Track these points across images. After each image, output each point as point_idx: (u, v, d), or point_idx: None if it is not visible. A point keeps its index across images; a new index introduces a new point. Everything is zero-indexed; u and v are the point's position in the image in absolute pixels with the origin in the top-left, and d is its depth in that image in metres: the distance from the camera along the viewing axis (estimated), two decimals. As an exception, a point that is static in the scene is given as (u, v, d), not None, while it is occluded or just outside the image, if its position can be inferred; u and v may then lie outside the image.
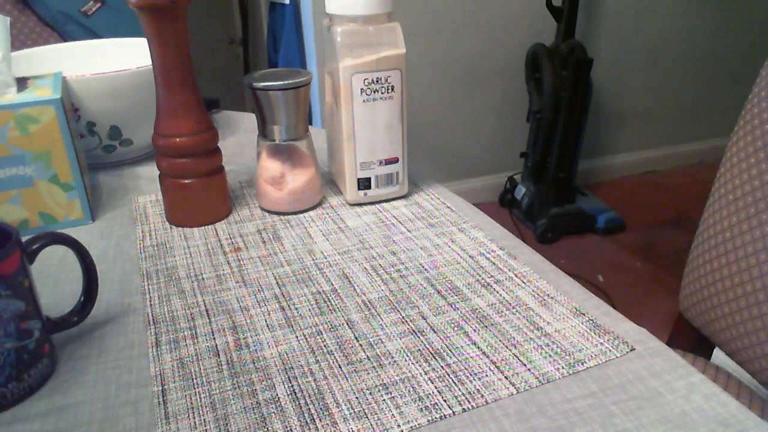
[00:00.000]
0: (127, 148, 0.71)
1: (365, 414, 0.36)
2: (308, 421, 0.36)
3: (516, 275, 0.49)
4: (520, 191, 2.13)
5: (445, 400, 0.37)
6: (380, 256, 0.53)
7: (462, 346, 0.41)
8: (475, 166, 2.28)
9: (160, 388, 0.39)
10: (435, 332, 0.43)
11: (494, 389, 0.38)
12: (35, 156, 0.55)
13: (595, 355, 0.40)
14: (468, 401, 0.37)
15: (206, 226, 0.58)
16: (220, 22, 2.58)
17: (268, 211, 0.61)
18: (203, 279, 0.50)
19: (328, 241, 0.55)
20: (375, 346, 0.42)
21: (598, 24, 2.22)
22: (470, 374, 0.39)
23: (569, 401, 0.37)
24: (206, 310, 0.46)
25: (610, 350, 0.41)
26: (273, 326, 0.44)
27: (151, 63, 0.63)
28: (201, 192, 0.57)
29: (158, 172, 0.65)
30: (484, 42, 2.09)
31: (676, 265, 1.89)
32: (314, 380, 0.39)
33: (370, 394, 0.38)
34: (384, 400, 0.37)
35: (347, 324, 0.44)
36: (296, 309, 0.46)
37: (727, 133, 2.49)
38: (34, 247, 0.39)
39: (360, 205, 0.62)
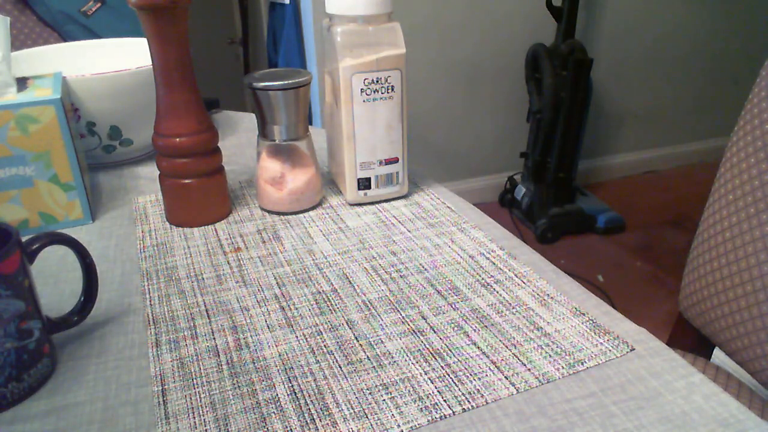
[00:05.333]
0: (127, 148, 0.72)
1: (365, 414, 0.36)
2: (308, 421, 0.36)
3: (516, 275, 0.49)
4: (520, 191, 2.13)
5: (445, 400, 0.37)
6: (380, 256, 0.53)
7: (462, 346, 0.41)
8: (475, 166, 2.28)
9: (160, 388, 0.39)
10: (435, 332, 0.43)
11: (494, 389, 0.38)
12: (35, 156, 0.55)
13: (595, 355, 0.40)
14: (468, 401, 0.37)
15: (206, 226, 0.58)
16: (220, 22, 2.58)
17: (268, 211, 0.61)
18: (203, 279, 0.50)
19: (328, 241, 0.55)
20: (375, 346, 0.42)
21: (598, 24, 2.22)
22: (470, 374, 0.39)
23: (569, 401, 0.37)
24: (206, 310, 0.46)
25: (610, 350, 0.41)
26: (273, 326, 0.44)
27: (151, 63, 0.63)
28: (201, 192, 0.57)
29: (158, 172, 0.65)
30: (484, 42, 2.09)
31: (676, 265, 1.89)
32: (314, 380, 0.39)
33: (370, 394, 0.38)
34: (384, 400, 0.37)
35: (347, 324, 0.44)
36: (296, 309, 0.46)
37: (727, 133, 2.49)
38: (34, 247, 0.39)
39: (360, 205, 0.62)
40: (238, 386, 0.39)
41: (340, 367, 0.40)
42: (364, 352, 0.41)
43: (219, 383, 0.39)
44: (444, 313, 0.45)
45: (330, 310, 0.46)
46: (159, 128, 0.55)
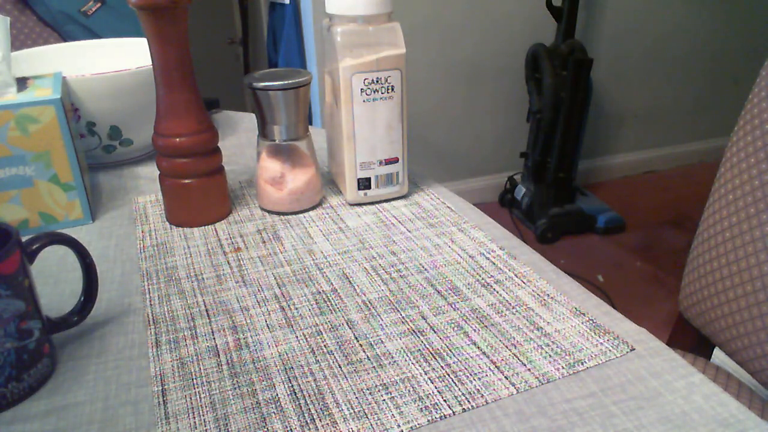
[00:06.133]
0: (127, 148, 0.72)
1: (365, 414, 0.36)
2: (308, 421, 0.36)
3: (516, 275, 0.49)
4: (520, 191, 2.13)
5: (445, 400, 0.37)
6: (380, 256, 0.53)
7: (462, 346, 0.41)
8: (475, 166, 2.28)
9: (160, 388, 0.39)
10: (435, 332, 0.43)
11: (494, 389, 0.38)
12: (35, 156, 0.55)
13: (595, 355, 0.40)
14: (468, 401, 0.37)
15: (206, 226, 0.58)
16: (220, 22, 2.58)
17: (268, 211, 0.61)
18: (203, 279, 0.50)
19: (328, 241, 0.55)
20: (375, 346, 0.42)
21: (598, 24, 2.22)
22: (470, 374, 0.39)
23: (569, 401, 0.37)
24: (206, 310, 0.46)
25: (610, 350, 0.41)
26: (273, 326, 0.44)
27: (151, 63, 0.63)
28: (201, 192, 0.57)
29: (158, 172, 0.65)
30: (484, 42, 2.09)
31: (676, 265, 1.89)
32: (314, 380, 0.39)
33: (370, 394, 0.38)
34: (384, 400, 0.37)
35: (347, 324, 0.44)
36: (296, 309, 0.46)
37: (727, 133, 2.49)
38: (34, 247, 0.39)
39: (360, 205, 0.62)
40: (238, 386, 0.39)
41: (340, 367, 0.40)
42: (364, 352, 0.41)
43: (219, 383, 0.39)
44: (444, 313, 0.45)
45: (330, 310, 0.46)
46: (159, 128, 0.55)
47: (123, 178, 0.71)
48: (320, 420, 0.36)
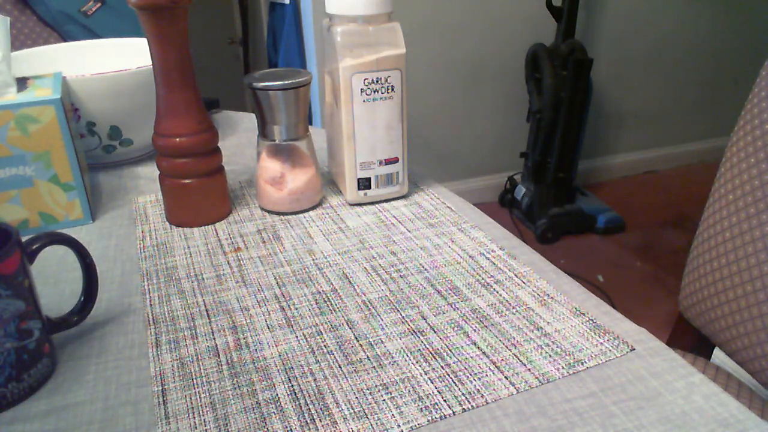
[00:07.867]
0: (127, 148, 0.72)
1: (365, 414, 0.36)
2: (308, 421, 0.36)
3: (516, 275, 0.49)
4: (520, 191, 2.13)
5: (445, 400, 0.37)
6: (380, 256, 0.53)
7: (462, 346, 0.41)
8: (475, 166, 2.28)
9: (160, 388, 0.39)
10: (435, 332, 0.43)
11: (494, 389, 0.38)
12: (35, 156, 0.55)
13: (595, 355, 0.40)
14: (468, 401, 0.37)
15: (206, 226, 0.58)
16: (220, 22, 2.58)
17: (268, 211, 0.61)
18: (203, 279, 0.50)
19: (328, 241, 0.55)
20: (375, 346, 0.42)
21: (598, 24, 2.21)
22: (470, 374, 0.39)
23: (569, 401, 0.37)
24: (206, 310, 0.46)
25: (610, 350, 0.41)
26: (273, 326, 0.44)
27: (151, 63, 0.63)
28: (201, 192, 0.57)
29: (158, 172, 0.65)
30: (484, 42, 2.09)
31: (676, 265, 1.89)
32: (314, 380, 0.39)
33: (370, 394, 0.38)
34: (384, 400, 0.37)
35: (347, 324, 0.44)
36: (296, 309, 0.46)
37: (727, 133, 2.49)
38: (34, 247, 0.39)
39: (360, 205, 0.62)
40: (238, 386, 0.39)
41: (340, 367, 0.40)
42: (364, 352, 0.41)
43: (219, 383, 0.39)
44: (444, 313, 0.45)
45: (330, 310, 0.46)
46: (159, 128, 0.55)
47: (123, 178, 0.71)
48: (320, 420, 0.36)
